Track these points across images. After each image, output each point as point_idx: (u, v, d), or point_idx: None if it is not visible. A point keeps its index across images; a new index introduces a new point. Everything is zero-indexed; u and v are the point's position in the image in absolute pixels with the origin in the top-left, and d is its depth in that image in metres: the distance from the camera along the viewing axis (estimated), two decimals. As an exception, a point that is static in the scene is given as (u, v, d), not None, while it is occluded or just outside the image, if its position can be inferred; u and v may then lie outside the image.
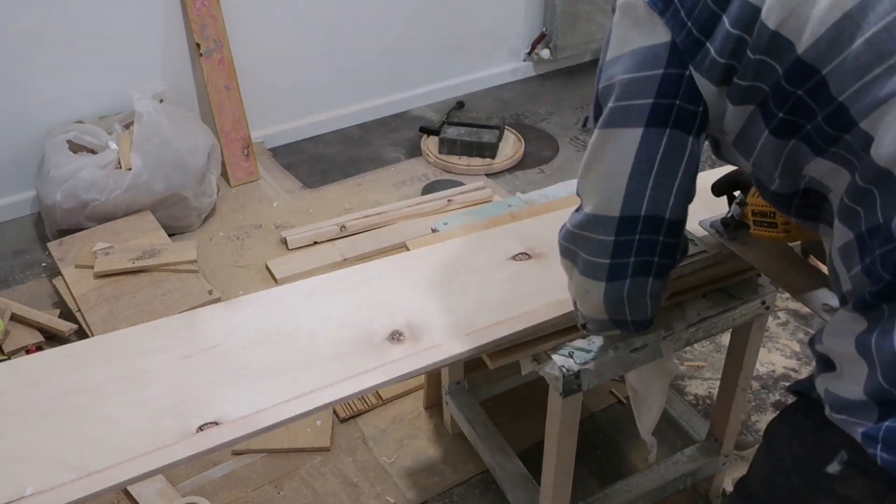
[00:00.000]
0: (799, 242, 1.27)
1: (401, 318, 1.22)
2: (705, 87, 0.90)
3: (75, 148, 2.52)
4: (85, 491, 0.93)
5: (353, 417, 1.92)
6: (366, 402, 1.94)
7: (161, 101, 2.61)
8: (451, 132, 3.04)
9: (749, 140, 0.93)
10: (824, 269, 1.23)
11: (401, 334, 1.18)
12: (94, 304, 2.15)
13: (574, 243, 1.04)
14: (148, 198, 2.48)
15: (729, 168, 1.25)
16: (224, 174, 2.89)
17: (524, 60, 3.68)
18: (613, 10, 0.95)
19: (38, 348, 2.09)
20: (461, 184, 2.85)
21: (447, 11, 3.33)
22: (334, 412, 1.92)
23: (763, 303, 1.38)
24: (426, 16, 3.30)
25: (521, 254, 1.37)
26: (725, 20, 0.85)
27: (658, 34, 0.89)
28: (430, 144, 3.08)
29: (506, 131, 3.16)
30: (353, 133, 3.27)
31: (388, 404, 1.96)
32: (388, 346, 1.16)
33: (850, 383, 0.82)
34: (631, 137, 0.94)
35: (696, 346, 2.14)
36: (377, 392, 1.95)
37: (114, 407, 1.05)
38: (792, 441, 0.96)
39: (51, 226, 2.51)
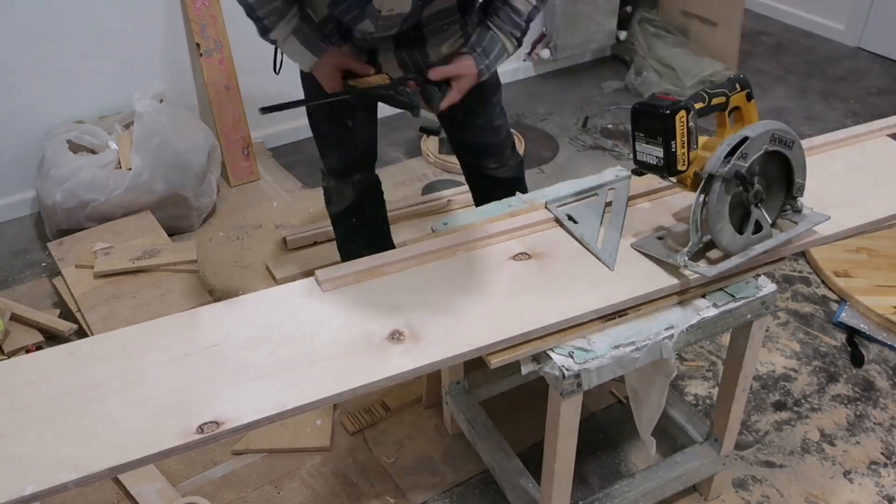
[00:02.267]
0: None
1: (401, 317, 1.22)
2: None
3: (75, 148, 2.53)
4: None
5: (361, 430, 1.90)
6: (374, 413, 1.93)
7: (161, 101, 2.61)
8: (451, 132, 3.04)
9: None
10: None
11: (401, 334, 1.18)
12: (94, 304, 2.15)
13: None
14: (148, 198, 2.48)
15: None
16: (224, 174, 2.89)
17: (524, 60, 3.68)
18: None
19: (38, 348, 2.09)
20: (461, 184, 2.85)
21: (447, 11, 3.32)
22: (342, 425, 1.91)
23: (763, 303, 1.38)
24: (426, 16, 3.29)
25: (521, 254, 1.37)
26: None
27: None
28: (430, 144, 3.08)
29: (506, 131, 3.16)
30: (353, 133, 3.26)
31: (395, 413, 1.95)
32: (388, 346, 1.16)
33: None
34: None
35: (696, 346, 2.14)
36: (384, 403, 1.95)
37: (114, 406, 1.05)
38: None
39: (51, 226, 2.51)
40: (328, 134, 1.94)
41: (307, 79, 1.79)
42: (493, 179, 1.94)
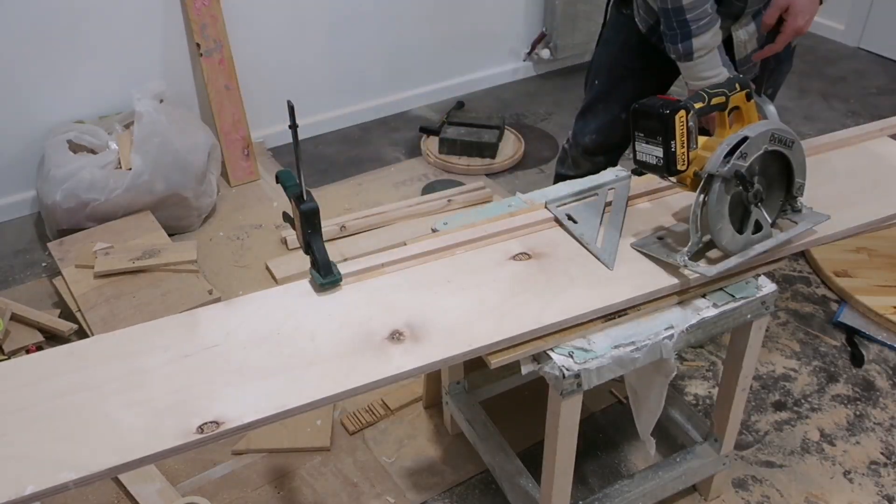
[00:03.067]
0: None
1: (401, 317, 1.22)
2: None
3: (75, 148, 2.53)
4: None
5: (361, 430, 1.90)
6: (374, 413, 1.93)
7: (161, 101, 2.61)
8: (451, 132, 3.04)
9: None
10: None
11: (401, 334, 1.18)
12: (94, 304, 2.15)
13: None
14: (148, 198, 2.48)
15: None
16: (224, 174, 2.89)
17: (524, 60, 3.68)
18: None
19: (38, 348, 2.09)
20: (461, 184, 2.85)
21: (447, 11, 3.33)
22: (343, 425, 1.91)
23: (763, 303, 1.38)
24: (426, 16, 3.30)
25: (521, 254, 1.37)
26: None
27: None
28: (430, 144, 3.08)
29: (506, 131, 3.16)
30: (353, 133, 3.27)
31: (395, 413, 1.95)
32: (388, 346, 1.16)
33: None
34: None
35: (696, 346, 2.14)
36: (384, 403, 1.95)
37: (114, 407, 1.05)
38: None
39: (51, 226, 2.51)
40: (600, 115, 1.96)
41: (628, 50, 1.86)
42: None
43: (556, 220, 1.46)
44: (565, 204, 1.51)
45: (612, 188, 1.55)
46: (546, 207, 1.49)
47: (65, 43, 2.57)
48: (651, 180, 1.54)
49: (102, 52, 2.65)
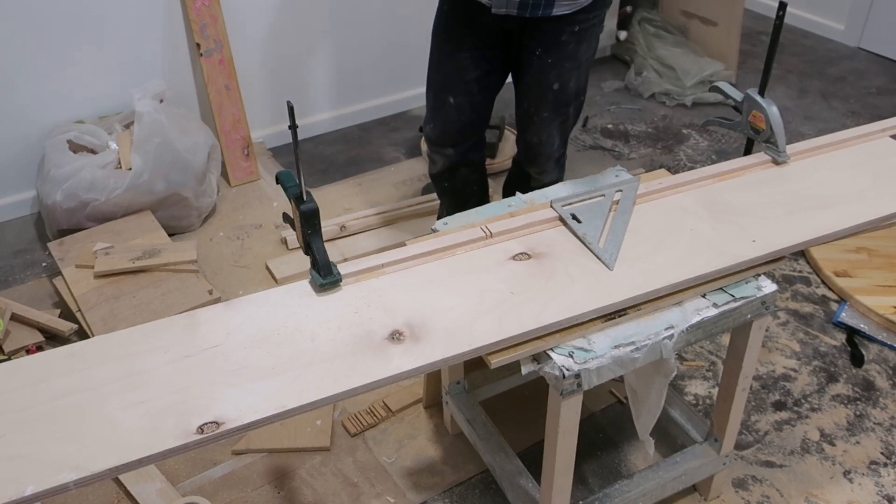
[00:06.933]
0: None
1: (401, 317, 1.22)
2: None
3: (75, 148, 2.52)
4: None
5: (362, 432, 1.90)
6: (375, 415, 1.93)
7: (161, 100, 2.61)
8: (451, 132, 3.04)
9: None
10: None
11: (401, 334, 1.18)
12: (94, 304, 2.15)
13: None
14: (148, 198, 2.48)
15: None
16: (224, 174, 2.89)
17: (524, 60, 3.67)
18: None
19: (39, 348, 2.09)
20: (461, 184, 2.85)
21: (447, 11, 3.33)
22: (344, 427, 1.91)
23: (763, 303, 1.38)
24: (426, 16, 3.29)
25: (521, 254, 1.37)
26: None
27: None
28: (430, 144, 3.08)
29: (506, 131, 3.16)
30: (353, 133, 3.27)
31: (396, 414, 1.95)
32: (388, 346, 1.16)
33: None
34: None
35: (696, 346, 2.14)
36: (385, 405, 1.95)
37: (114, 407, 1.05)
38: None
39: (51, 226, 2.51)
40: (431, 103, 2.07)
41: (437, 34, 1.97)
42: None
43: (561, 220, 1.46)
44: (571, 204, 1.50)
45: (619, 189, 1.54)
46: (551, 206, 1.49)
47: (65, 43, 2.57)
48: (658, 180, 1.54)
49: (102, 53, 2.64)
